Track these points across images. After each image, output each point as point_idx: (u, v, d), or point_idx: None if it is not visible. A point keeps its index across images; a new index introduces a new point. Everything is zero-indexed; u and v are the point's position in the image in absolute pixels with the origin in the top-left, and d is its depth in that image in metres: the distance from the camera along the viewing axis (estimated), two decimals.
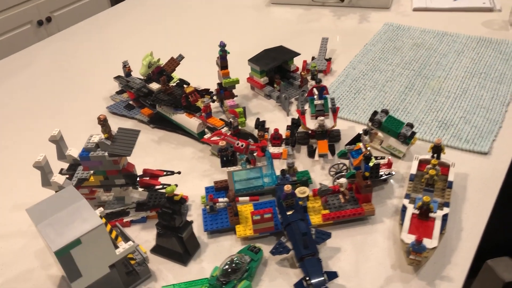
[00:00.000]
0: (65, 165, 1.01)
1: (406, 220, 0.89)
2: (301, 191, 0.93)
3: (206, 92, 1.26)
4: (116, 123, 1.30)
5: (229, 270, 0.83)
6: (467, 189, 1.00)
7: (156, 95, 1.24)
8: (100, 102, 1.41)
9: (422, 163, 1.02)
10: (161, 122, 1.27)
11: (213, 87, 1.30)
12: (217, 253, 0.93)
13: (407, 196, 0.95)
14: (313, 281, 0.80)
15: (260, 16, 1.83)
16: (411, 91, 1.32)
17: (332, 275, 0.82)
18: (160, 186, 1.00)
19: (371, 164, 0.95)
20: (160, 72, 1.30)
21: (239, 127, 1.13)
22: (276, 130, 1.13)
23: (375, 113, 1.09)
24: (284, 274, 0.87)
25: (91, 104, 1.41)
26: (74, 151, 1.00)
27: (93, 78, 1.55)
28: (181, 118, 1.21)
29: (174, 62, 1.32)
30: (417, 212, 0.90)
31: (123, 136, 0.95)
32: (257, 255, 0.88)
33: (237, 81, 1.22)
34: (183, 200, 0.89)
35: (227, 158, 0.98)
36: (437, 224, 0.88)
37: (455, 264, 0.86)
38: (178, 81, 1.30)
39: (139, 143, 1.15)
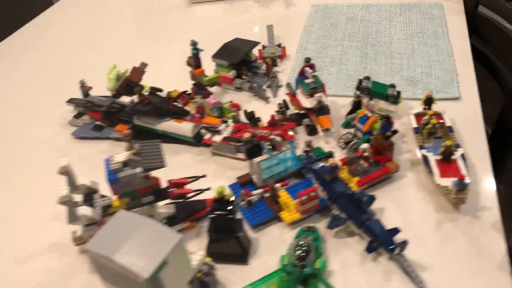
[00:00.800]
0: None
1: (433, 167, 0.96)
2: (333, 163, 0.95)
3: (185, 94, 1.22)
4: (89, 147, 1.20)
5: (303, 254, 0.83)
6: (460, 130, 1.11)
7: (133, 108, 1.16)
8: (57, 129, 1.28)
9: (418, 116, 1.11)
10: (142, 135, 1.19)
11: (182, 88, 1.25)
12: (271, 244, 0.91)
13: (421, 147, 1.02)
14: (383, 240, 0.83)
15: (185, 17, 1.79)
16: (367, 59, 1.41)
17: (395, 231, 0.86)
18: (193, 194, 0.95)
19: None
20: (128, 84, 1.22)
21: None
22: (273, 117, 1.13)
23: (360, 81, 1.15)
24: (346, 245, 0.89)
25: (48, 133, 1.27)
26: (84, 179, 0.91)
27: (38, 105, 1.39)
28: (169, 125, 1.15)
29: (139, 71, 1.25)
30: (439, 157, 0.98)
31: (147, 149, 0.89)
32: (316, 233, 0.89)
33: (218, 78, 1.20)
34: (233, 199, 0.86)
35: (252, 149, 0.97)
36: (460, 163, 0.97)
37: (483, 193, 0.95)
38: (149, 89, 1.23)
39: None
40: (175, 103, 1.13)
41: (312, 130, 1.14)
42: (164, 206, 0.95)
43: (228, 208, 0.85)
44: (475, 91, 1.24)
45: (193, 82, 1.25)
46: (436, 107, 1.13)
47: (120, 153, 0.87)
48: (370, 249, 0.85)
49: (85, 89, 1.24)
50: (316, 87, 1.13)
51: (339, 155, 1.08)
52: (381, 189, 0.99)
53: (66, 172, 0.88)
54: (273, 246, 0.91)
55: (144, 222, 0.73)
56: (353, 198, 0.88)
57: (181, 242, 0.72)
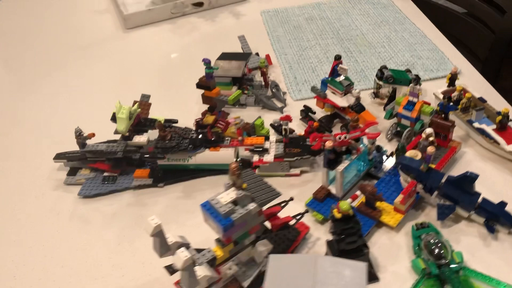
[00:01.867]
0: None
1: (496, 136, 0.99)
2: (416, 154, 0.92)
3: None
4: (107, 204, 1.01)
5: (440, 251, 0.78)
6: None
7: (158, 147, 1.00)
8: (53, 195, 1.05)
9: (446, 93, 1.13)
10: (170, 176, 1.04)
11: (181, 116, 1.12)
12: (387, 252, 0.85)
13: (470, 121, 1.04)
14: (501, 215, 0.83)
15: (124, 45, 1.61)
16: (352, 53, 1.41)
17: (503, 204, 0.85)
18: (294, 221, 0.84)
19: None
20: (139, 121, 1.05)
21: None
22: (311, 123, 1.06)
23: (380, 71, 1.14)
24: (462, 231, 0.87)
25: (47, 202, 1.03)
26: (175, 237, 0.75)
27: (12, 169, 1.13)
28: (205, 157, 1.01)
29: (146, 105, 1.09)
30: (495, 127, 1.01)
31: (249, 180, 0.76)
32: (432, 228, 0.85)
33: (241, 94, 1.09)
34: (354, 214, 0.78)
35: (334, 158, 0.89)
36: None
37: None
38: (164, 122, 1.07)
39: (174, 214, 0.96)
40: (214, 129, 1.00)
41: (344, 127, 1.09)
42: (260, 244, 0.83)
43: (353, 225, 0.76)
44: (467, 62, 1.31)
45: (206, 104, 1.12)
46: (443, 85, 1.16)
47: (220, 193, 0.73)
48: (491, 228, 0.84)
49: (84, 138, 1.04)
50: (350, 84, 1.09)
51: (389, 148, 1.05)
52: (452, 169, 0.99)
53: (159, 232, 0.72)
54: (390, 254, 0.84)
55: (312, 259, 0.62)
56: (458, 182, 0.85)
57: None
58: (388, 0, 1.66)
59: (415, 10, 1.60)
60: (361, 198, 0.91)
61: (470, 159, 1.01)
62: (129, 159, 1.03)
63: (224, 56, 1.26)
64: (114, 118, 1.05)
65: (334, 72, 1.09)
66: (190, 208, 0.97)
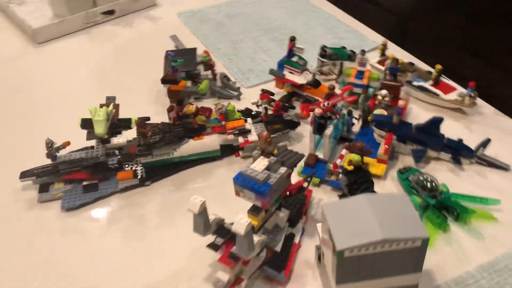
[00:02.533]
0: None
1: (434, 90, 1.16)
2: (382, 112, 1.05)
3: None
4: (95, 213, 0.97)
5: (432, 184, 0.91)
6: None
7: (143, 145, 0.99)
8: (29, 215, 0.97)
9: (381, 62, 1.28)
10: (155, 173, 1.03)
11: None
12: None
13: (409, 81, 1.20)
14: (465, 149, 0.99)
15: (39, 58, 1.52)
16: (280, 41, 1.51)
17: (461, 141, 1.01)
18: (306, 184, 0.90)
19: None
20: (113, 123, 1.02)
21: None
22: (277, 103, 1.13)
23: (323, 50, 1.26)
24: (434, 169, 1.01)
25: (27, 223, 0.95)
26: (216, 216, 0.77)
27: None
28: (191, 147, 1.03)
29: (116, 106, 1.06)
30: (431, 82, 1.18)
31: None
32: (414, 169, 0.97)
33: (209, 84, 1.12)
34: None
35: (322, 124, 0.97)
36: (445, 80, 1.19)
37: None
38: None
39: (174, 207, 0.97)
40: (198, 117, 1.01)
41: (308, 101, 1.18)
42: (279, 211, 0.87)
43: (365, 174, 0.85)
44: (381, 36, 1.50)
45: (172, 99, 1.12)
46: (376, 54, 1.32)
47: (251, 163, 0.77)
48: (458, 161, 0.99)
49: (57, 148, 0.98)
50: (305, 62, 1.18)
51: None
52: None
53: (203, 210, 0.73)
54: None
55: (363, 198, 0.70)
56: (427, 128, 0.99)
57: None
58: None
59: (322, 0, 1.76)
60: (347, 157, 1.00)
61: (417, 112, 1.17)
62: (104, 165, 1.00)
63: (181, 53, 1.27)
64: (86, 125, 1.00)
65: (291, 53, 1.18)
66: (187, 199, 0.97)
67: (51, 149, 0.98)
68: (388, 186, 0.98)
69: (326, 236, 0.69)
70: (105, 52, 1.53)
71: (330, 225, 0.67)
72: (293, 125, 1.07)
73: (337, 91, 1.15)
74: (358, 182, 0.84)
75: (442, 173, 1.00)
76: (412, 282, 0.71)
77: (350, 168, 0.85)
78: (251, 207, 0.79)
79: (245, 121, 1.07)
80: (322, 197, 0.97)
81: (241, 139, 1.04)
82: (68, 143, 0.99)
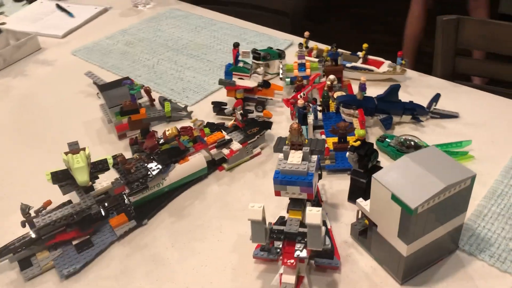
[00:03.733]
0: None
1: (367, 66, 1.28)
2: (341, 93, 1.12)
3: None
4: (103, 267, 0.87)
5: (416, 141, 1.01)
6: None
7: (131, 181, 0.91)
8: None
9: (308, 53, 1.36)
10: (147, 209, 0.95)
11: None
12: None
13: (342, 63, 1.30)
14: (420, 108, 1.11)
15: None
16: (198, 56, 1.50)
17: (412, 101, 1.14)
18: None
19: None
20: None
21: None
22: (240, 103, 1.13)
23: (256, 53, 1.29)
24: (401, 131, 1.11)
25: None
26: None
27: None
28: (180, 171, 0.97)
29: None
30: (361, 61, 1.30)
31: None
32: (389, 135, 1.06)
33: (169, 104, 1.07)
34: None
35: (305, 114, 1.00)
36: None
37: None
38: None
39: (183, 237, 0.92)
40: (182, 138, 0.96)
41: (262, 103, 1.21)
42: None
43: (370, 146, 0.90)
44: (287, 34, 1.59)
45: (134, 133, 1.05)
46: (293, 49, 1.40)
47: (283, 159, 0.77)
48: (418, 119, 1.11)
49: (38, 210, 0.84)
50: (251, 66, 1.20)
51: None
52: None
53: (263, 216, 0.71)
54: None
55: (405, 160, 0.75)
56: (388, 96, 1.09)
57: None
58: (184, 12, 1.80)
59: (212, 13, 1.80)
60: (330, 140, 1.05)
61: (356, 90, 1.27)
62: (97, 212, 0.89)
63: (106, 87, 1.18)
64: (59, 178, 0.89)
65: (237, 60, 1.18)
66: (196, 225, 0.93)
67: (29, 215, 0.84)
68: None
69: (384, 204, 0.72)
70: (6, 107, 1.35)
71: (392, 190, 0.70)
72: (268, 125, 1.08)
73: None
74: (368, 154, 0.89)
75: (408, 133, 1.10)
76: (460, 221, 0.78)
77: (357, 143, 0.89)
78: (290, 204, 0.78)
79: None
80: (322, 181, 0.99)
81: (226, 151, 1.02)
82: (49, 202, 0.86)
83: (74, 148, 0.95)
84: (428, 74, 1.32)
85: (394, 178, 0.72)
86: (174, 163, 0.97)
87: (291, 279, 0.75)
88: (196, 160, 0.99)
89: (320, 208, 0.69)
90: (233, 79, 1.19)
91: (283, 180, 0.75)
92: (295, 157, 0.76)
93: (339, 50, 1.23)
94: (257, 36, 1.59)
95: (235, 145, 1.02)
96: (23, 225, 0.85)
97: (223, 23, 1.70)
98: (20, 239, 0.86)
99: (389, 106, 1.10)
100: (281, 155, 0.79)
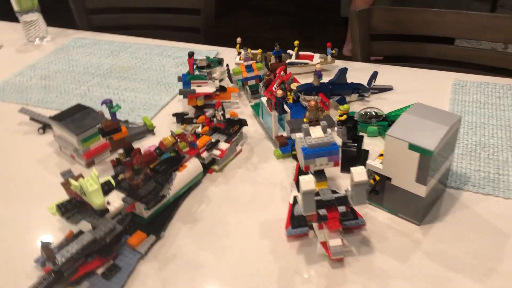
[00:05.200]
0: None
1: (303, 61, 1.40)
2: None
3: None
4: (138, 286, 0.84)
5: (376, 112, 1.15)
6: None
7: (144, 196, 0.89)
8: None
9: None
10: (157, 223, 0.94)
11: None
12: None
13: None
14: (365, 86, 1.27)
15: None
16: (129, 77, 1.48)
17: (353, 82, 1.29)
18: None
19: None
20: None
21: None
22: (206, 116, 1.17)
23: (207, 65, 1.33)
24: (354, 108, 1.25)
25: None
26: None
27: None
28: (181, 179, 0.97)
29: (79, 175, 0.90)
30: (295, 57, 1.42)
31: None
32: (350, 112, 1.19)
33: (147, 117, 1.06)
34: None
35: (282, 104, 1.08)
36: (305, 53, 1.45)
37: None
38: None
39: (210, 237, 0.97)
40: (180, 144, 0.96)
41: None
42: None
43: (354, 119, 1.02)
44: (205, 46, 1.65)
45: (103, 156, 1.01)
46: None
47: (305, 136, 0.84)
48: (363, 96, 1.26)
49: (60, 246, 0.78)
50: (206, 75, 1.24)
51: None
52: None
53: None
54: None
55: (408, 115, 0.88)
56: (338, 80, 1.22)
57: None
58: (90, 39, 1.75)
59: (120, 37, 1.77)
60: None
61: (303, 81, 1.39)
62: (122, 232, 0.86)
63: (62, 117, 1.11)
64: (67, 208, 0.83)
65: (196, 65, 1.21)
66: (214, 224, 0.94)
67: (51, 252, 0.78)
68: None
69: (401, 156, 0.83)
70: None
71: (409, 140, 0.81)
72: (244, 122, 1.13)
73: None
74: (355, 125, 1.00)
75: (359, 108, 1.24)
76: (451, 161, 0.92)
77: (344, 117, 1.00)
78: (316, 176, 0.85)
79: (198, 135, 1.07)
80: None
81: (216, 152, 1.04)
82: (72, 233, 0.80)
83: (69, 176, 0.90)
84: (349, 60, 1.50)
85: (405, 131, 0.84)
86: (175, 171, 0.97)
87: (338, 241, 0.81)
88: (193, 165, 1.00)
89: (362, 166, 0.77)
90: (192, 87, 1.21)
91: (312, 153, 0.81)
92: (316, 131, 0.84)
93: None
94: (180, 51, 1.62)
95: (223, 145, 1.06)
96: (43, 264, 0.78)
97: (138, 44, 1.69)
98: (41, 282, 0.79)
99: (340, 88, 1.23)
100: (299, 135, 0.85)
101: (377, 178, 0.94)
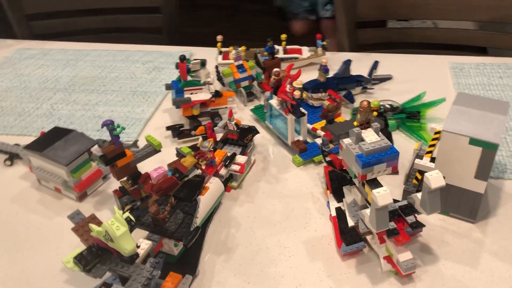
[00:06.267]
0: None
1: (292, 55, 1.30)
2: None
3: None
4: None
5: (390, 104, 1.08)
6: None
7: (176, 231, 0.76)
8: None
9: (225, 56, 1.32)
10: (190, 258, 0.81)
11: None
12: None
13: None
14: (367, 78, 1.19)
15: None
16: (99, 89, 1.30)
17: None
18: None
19: None
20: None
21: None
22: (209, 124, 1.03)
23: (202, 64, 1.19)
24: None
25: None
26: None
27: None
28: (205, 203, 0.84)
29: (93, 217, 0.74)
30: (283, 52, 1.32)
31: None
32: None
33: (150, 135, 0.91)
34: None
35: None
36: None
37: None
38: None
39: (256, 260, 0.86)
40: (202, 163, 0.83)
41: (218, 114, 1.13)
42: None
43: None
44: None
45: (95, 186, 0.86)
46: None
47: (358, 141, 0.74)
48: (366, 88, 1.19)
49: None
50: (200, 79, 1.10)
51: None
52: None
53: None
54: None
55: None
56: (343, 74, 1.14)
57: None
58: (38, 50, 1.53)
59: (74, 44, 1.57)
60: (323, 122, 1.04)
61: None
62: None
63: (45, 142, 0.93)
64: (88, 260, 0.68)
65: (188, 73, 1.07)
66: (250, 250, 0.82)
67: None
68: None
69: (459, 152, 0.76)
70: None
71: (470, 134, 0.74)
72: (255, 130, 1.01)
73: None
74: (386, 124, 0.92)
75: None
76: None
77: (375, 114, 0.91)
78: (370, 185, 0.76)
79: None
80: None
81: (235, 167, 0.92)
82: None
83: (80, 219, 0.74)
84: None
85: (461, 125, 0.77)
86: (198, 196, 0.83)
87: (408, 255, 0.73)
88: (215, 186, 0.87)
89: (437, 170, 0.69)
90: (185, 95, 1.07)
91: (371, 161, 0.72)
92: (369, 135, 0.74)
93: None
94: (148, 54, 1.46)
95: (241, 158, 0.93)
96: None
97: (96, 51, 1.50)
98: None
99: (345, 82, 1.14)
100: (347, 141, 0.75)
101: (419, 176, 0.87)
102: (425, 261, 0.78)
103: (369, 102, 0.74)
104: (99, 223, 0.74)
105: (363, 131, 0.75)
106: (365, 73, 1.18)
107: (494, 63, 1.27)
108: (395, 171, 0.76)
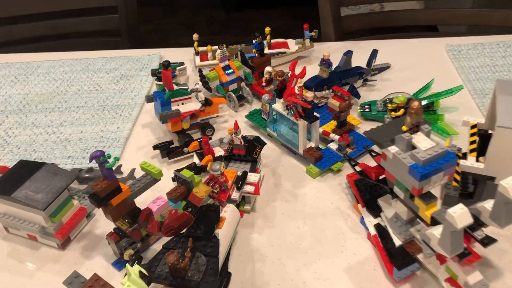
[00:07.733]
0: None
1: (280, 50, 1.17)
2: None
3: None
4: None
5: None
6: None
7: (211, 285, 0.61)
8: None
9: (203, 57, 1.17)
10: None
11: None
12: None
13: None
14: (367, 70, 1.08)
15: None
16: (67, 103, 1.12)
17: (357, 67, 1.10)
18: None
19: None
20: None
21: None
22: (205, 138, 0.89)
23: (159, 73, 1.04)
24: (364, 93, 1.06)
25: None
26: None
27: None
28: (223, 237, 0.69)
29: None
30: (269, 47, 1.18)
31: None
32: (367, 101, 1.00)
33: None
34: None
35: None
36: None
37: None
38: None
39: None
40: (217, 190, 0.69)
41: (209, 125, 0.99)
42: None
43: None
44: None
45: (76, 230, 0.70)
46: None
47: (409, 149, 0.63)
48: (367, 80, 1.08)
49: None
50: (185, 85, 0.95)
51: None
52: None
53: None
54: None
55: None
56: (344, 67, 1.02)
57: None
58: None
59: (19, 56, 1.36)
60: (332, 124, 0.93)
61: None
62: None
63: (11, 182, 0.75)
64: None
65: (176, 77, 0.92)
66: (282, 285, 0.69)
67: None
68: (366, 126, 0.96)
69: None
70: None
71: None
72: (261, 141, 0.88)
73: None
74: None
75: (368, 95, 1.06)
76: None
77: (401, 112, 0.80)
78: (425, 199, 0.65)
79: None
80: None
81: (249, 188, 0.78)
82: None
83: (80, 283, 0.58)
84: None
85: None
86: (214, 230, 0.69)
87: (478, 275, 0.63)
88: (231, 214, 0.73)
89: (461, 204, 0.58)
90: (173, 107, 0.92)
91: (429, 171, 0.61)
92: (422, 140, 0.63)
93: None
94: (111, 61, 1.28)
95: (253, 177, 0.80)
96: None
97: (48, 62, 1.30)
98: None
99: (347, 75, 1.03)
100: (393, 149, 0.64)
101: (458, 178, 0.77)
102: (490, 277, 0.68)
103: (420, 103, 0.62)
104: (104, 285, 0.58)
105: (413, 136, 0.64)
106: (362, 64, 1.07)
107: (491, 42, 1.20)
108: (451, 179, 0.65)
